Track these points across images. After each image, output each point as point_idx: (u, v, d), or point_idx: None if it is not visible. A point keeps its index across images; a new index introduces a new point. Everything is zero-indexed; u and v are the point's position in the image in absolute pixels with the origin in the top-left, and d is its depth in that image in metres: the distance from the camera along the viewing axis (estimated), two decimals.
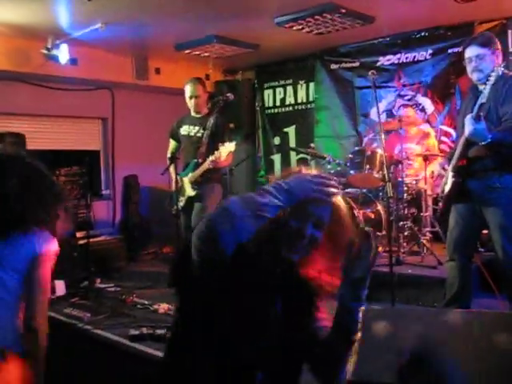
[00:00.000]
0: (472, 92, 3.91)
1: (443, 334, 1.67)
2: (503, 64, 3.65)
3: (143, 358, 3.74)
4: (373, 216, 5.62)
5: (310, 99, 7.99)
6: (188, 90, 5.39)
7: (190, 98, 5.38)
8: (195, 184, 5.26)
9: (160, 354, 3.65)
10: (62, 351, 4.35)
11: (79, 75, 6.92)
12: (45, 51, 6.17)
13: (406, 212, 5.78)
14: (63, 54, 6.17)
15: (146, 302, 4.86)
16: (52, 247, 2.29)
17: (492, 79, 3.52)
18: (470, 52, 3.76)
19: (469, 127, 3.55)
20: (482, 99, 3.55)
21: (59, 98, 7.19)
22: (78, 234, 6.29)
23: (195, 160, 5.28)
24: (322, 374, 1.82)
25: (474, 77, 3.79)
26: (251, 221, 1.51)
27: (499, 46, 3.81)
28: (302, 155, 7.79)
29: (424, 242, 5.62)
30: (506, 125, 3.57)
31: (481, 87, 3.70)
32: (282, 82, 8.31)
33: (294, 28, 6.08)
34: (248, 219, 1.50)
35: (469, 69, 3.81)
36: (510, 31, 6.07)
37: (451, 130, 6.48)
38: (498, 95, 3.62)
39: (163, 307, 4.64)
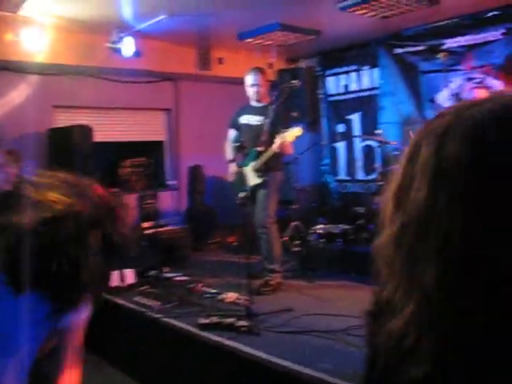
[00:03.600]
0: None
1: None
2: None
3: (212, 346, 3.76)
4: None
5: (375, 85, 7.81)
6: (249, 79, 5.35)
7: (252, 86, 5.34)
8: (259, 172, 5.21)
9: (229, 342, 3.67)
10: (131, 339, 4.45)
11: (143, 67, 6.99)
12: (110, 45, 6.27)
13: None
14: (127, 46, 6.26)
15: (213, 291, 4.89)
16: None
17: None
18: None
19: None
20: None
21: (124, 90, 7.30)
22: (146, 224, 6.40)
23: (256, 149, 5.23)
24: None
25: None
26: None
27: None
28: (367, 142, 7.65)
29: None
30: None
31: None
32: (346, 69, 8.17)
33: (358, 12, 5.91)
34: None
35: None
36: None
37: None
38: None
39: (230, 296, 4.66)
